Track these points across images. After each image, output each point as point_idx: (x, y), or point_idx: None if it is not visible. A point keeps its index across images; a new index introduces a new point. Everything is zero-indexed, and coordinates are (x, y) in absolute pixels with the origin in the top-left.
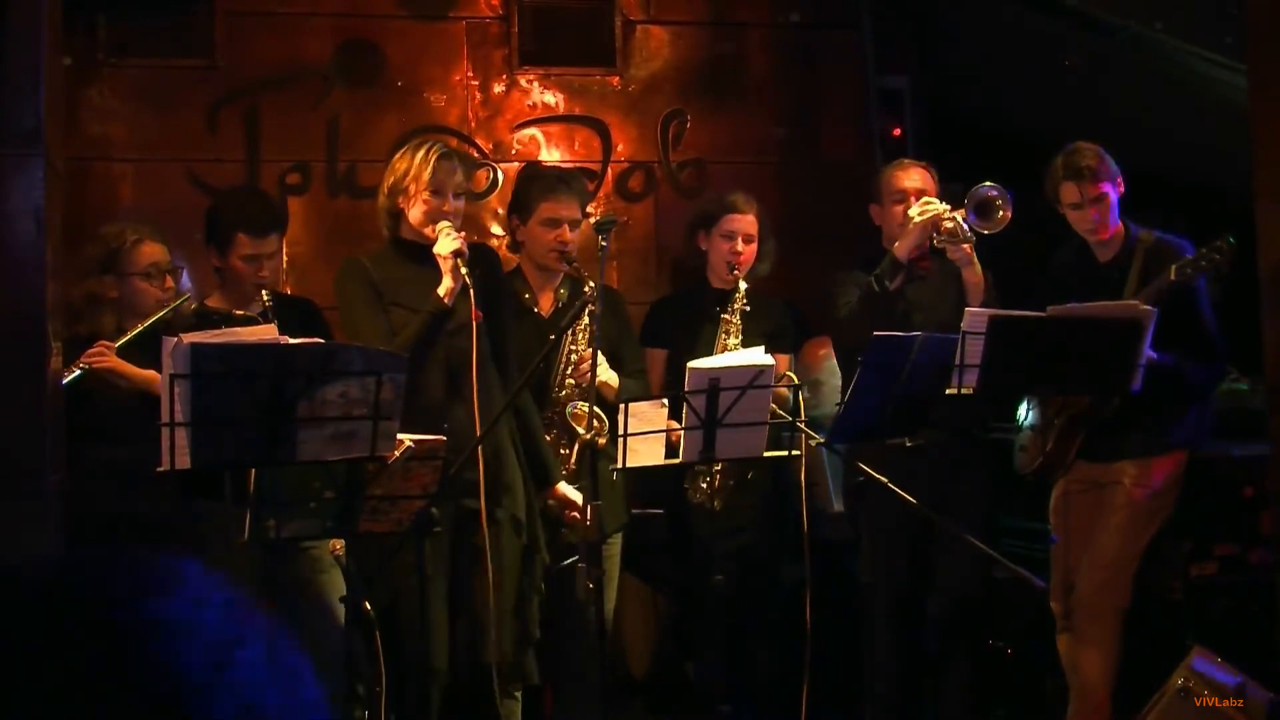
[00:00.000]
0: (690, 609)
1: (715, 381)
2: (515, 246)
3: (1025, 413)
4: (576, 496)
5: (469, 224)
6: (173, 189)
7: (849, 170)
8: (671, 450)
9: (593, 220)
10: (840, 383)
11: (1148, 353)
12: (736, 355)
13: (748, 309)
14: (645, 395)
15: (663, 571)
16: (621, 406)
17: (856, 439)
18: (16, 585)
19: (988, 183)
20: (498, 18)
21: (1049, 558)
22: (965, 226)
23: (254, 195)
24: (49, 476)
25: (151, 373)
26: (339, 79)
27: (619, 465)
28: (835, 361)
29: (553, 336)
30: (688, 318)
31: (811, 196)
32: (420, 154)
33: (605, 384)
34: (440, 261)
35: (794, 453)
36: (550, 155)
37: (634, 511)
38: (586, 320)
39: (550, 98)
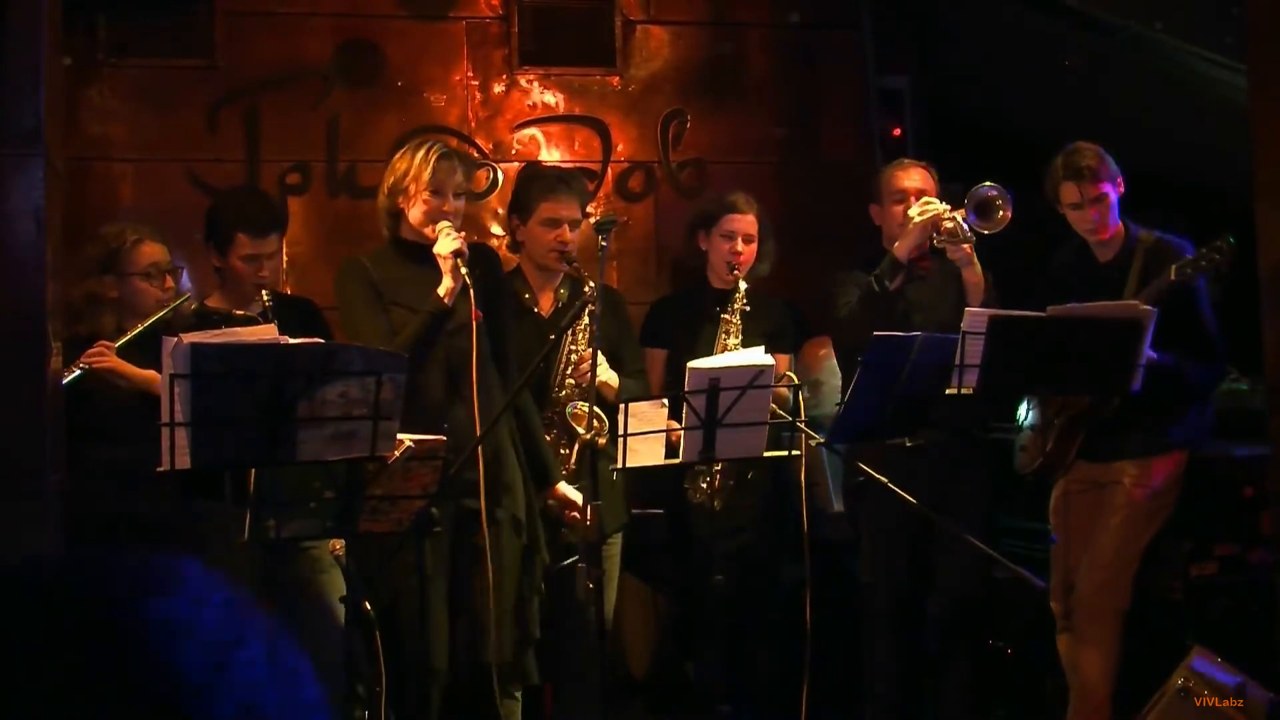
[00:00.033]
0: (690, 609)
1: (715, 381)
2: (515, 246)
3: (1025, 413)
4: (576, 496)
5: (469, 224)
6: (173, 189)
7: (849, 170)
8: (671, 450)
9: (593, 220)
10: (840, 383)
11: (1148, 353)
12: (736, 355)
13: (748, 309)
14: (645, 395)
15: (663, 571)
16: (621, 406)
17: (856, 439)
18: (15, 585)
19: (988, 183)
20: (498, 18)
21: (1049, 558)
22: (965, 226)
23: (254, 195)
24: (49, 476)
25: (151, 373)
26: (339, 79)
27: (619, 465)
28: (835, 361)
29: (553, 336)
30: (688, 318)
31: (811, 196)
32: (420, 154)
33: (605, 384)
34: (440, 261)
35: (794, 453)
36: (550, 155)
37: (634, 511)
38: (586, 320)
39: (550, 98)
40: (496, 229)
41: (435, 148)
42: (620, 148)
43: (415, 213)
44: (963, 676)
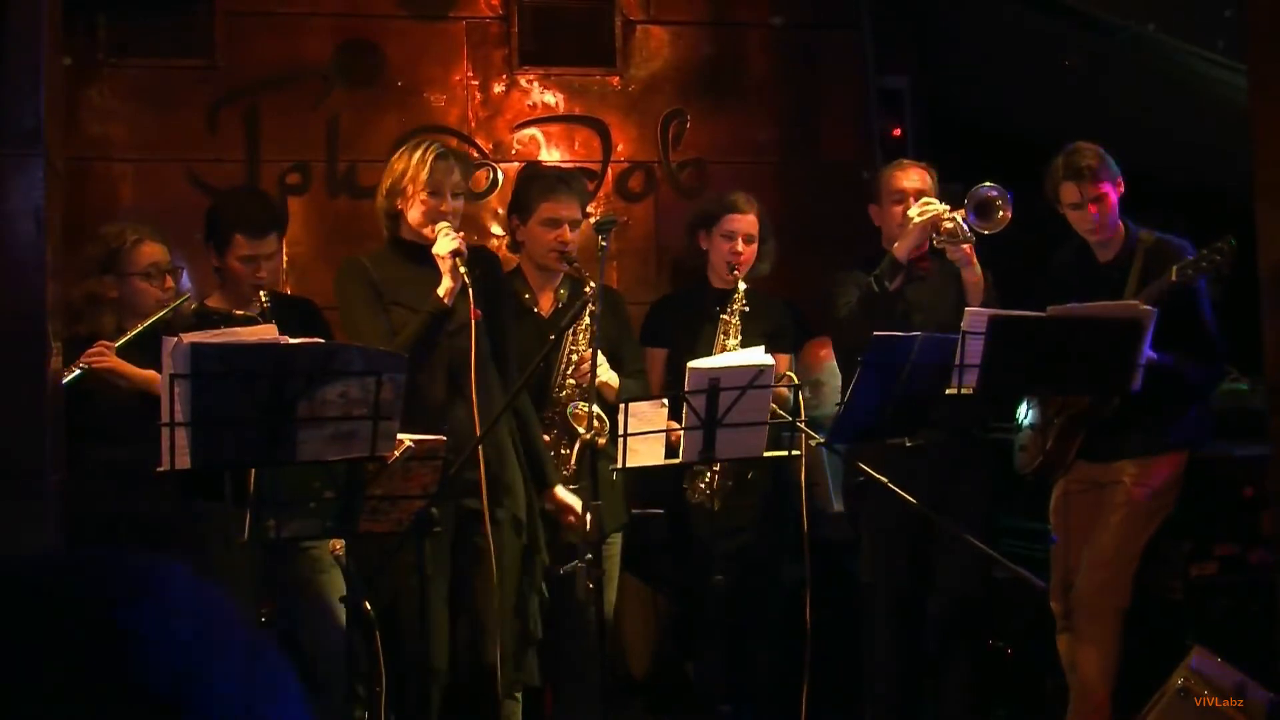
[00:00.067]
0: (690, 609)
1: (715, 381)
2: (515, 246)
3: (1025, 413)
4: (574, 501)
5: (469, 224)
6: (173, 189)
7: (849, 170)
8: (671, 450)
9: (593, 220)
10: (841, 383)
11: (1148, 353)
12: (736, 355)
13: (747, 309)
14: (645, 395)
15: (663, 571)
16: (621, 406)
17: (856, 439)
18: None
19: (987, 183)
20: (498, 18)
21: (1049, 558)
22: (965, 227)
23: (253, 195)
24: (49, 476)
25: (151, 373)
26: (339, 79)
27: (619, 465)
28: (835, 362)
29: (553, 336)
30: (688, 318)
31: (811, 196)
32: (417, 154)
33: (605, 384)
34: (439, 262)
35: (794, 453)
36: (550, 155)
37: (634, 511)
38: (587, 320)
39: (550, 98)
40: (496, 229)
41: (432, 148)
42: (620, 148)
43: (414, 213)
44: (963, 676)
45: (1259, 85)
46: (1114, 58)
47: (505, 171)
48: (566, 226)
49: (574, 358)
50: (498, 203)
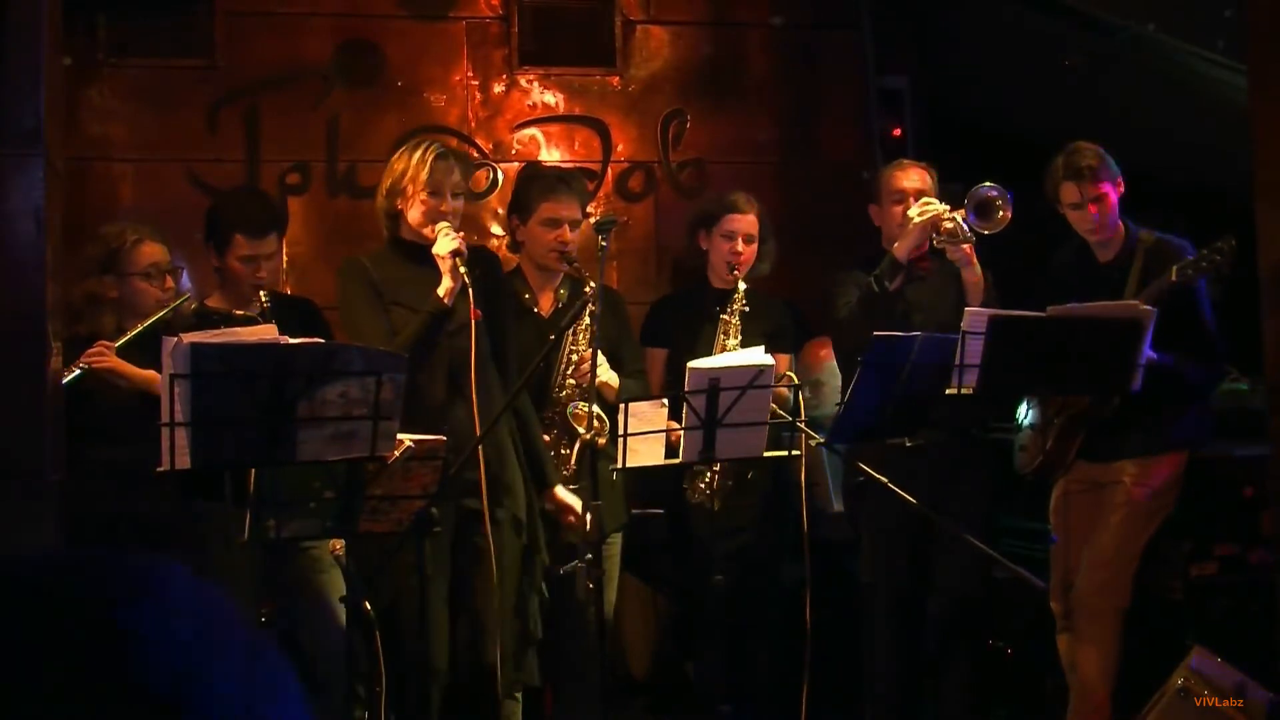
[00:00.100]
0: (690, 609)
1: (715, 381)
2: (515, 246)
3: (1025, 413)
4: (574, 501)
5: (469, 224)
6: (173, 189)
7: (849, 170)
8: (671, 450)
9: (593, 220)
10: (841, 383)
11: (1147, 353)
12: (736, 355)
13: (746, 310)
14: (645, 395)
15: (663, 571)
16: (621, 406)
17: (856, 439)
18: None
19: (987, 183)
20: (498, 18)
21: (1049, 558)
22: (965, 227)
23: (253, 196)
24: (49, 476)
25: (151, 373)
26: (339, 79)
27: (619, 465)
28: (836, 362)
29: (553, 336)
30: (688, 317)
31: (811, 196)
32: (417, 154)
33: (605, 384)
34: (439, 262)
35: (794, 453)
36: (550, 155)
37: (634, 511)
38: (587, 320)
39: (550, 98)
40: (496, 229)
41: (432, 148)
42: (620, 148)
43: (414, 213)
44: (963, 676)
45: (1259, 85)
46: (1114, 58)
47: (505, 171)
48: (566, 226)
49: (574, 358)
50: (498, 203)
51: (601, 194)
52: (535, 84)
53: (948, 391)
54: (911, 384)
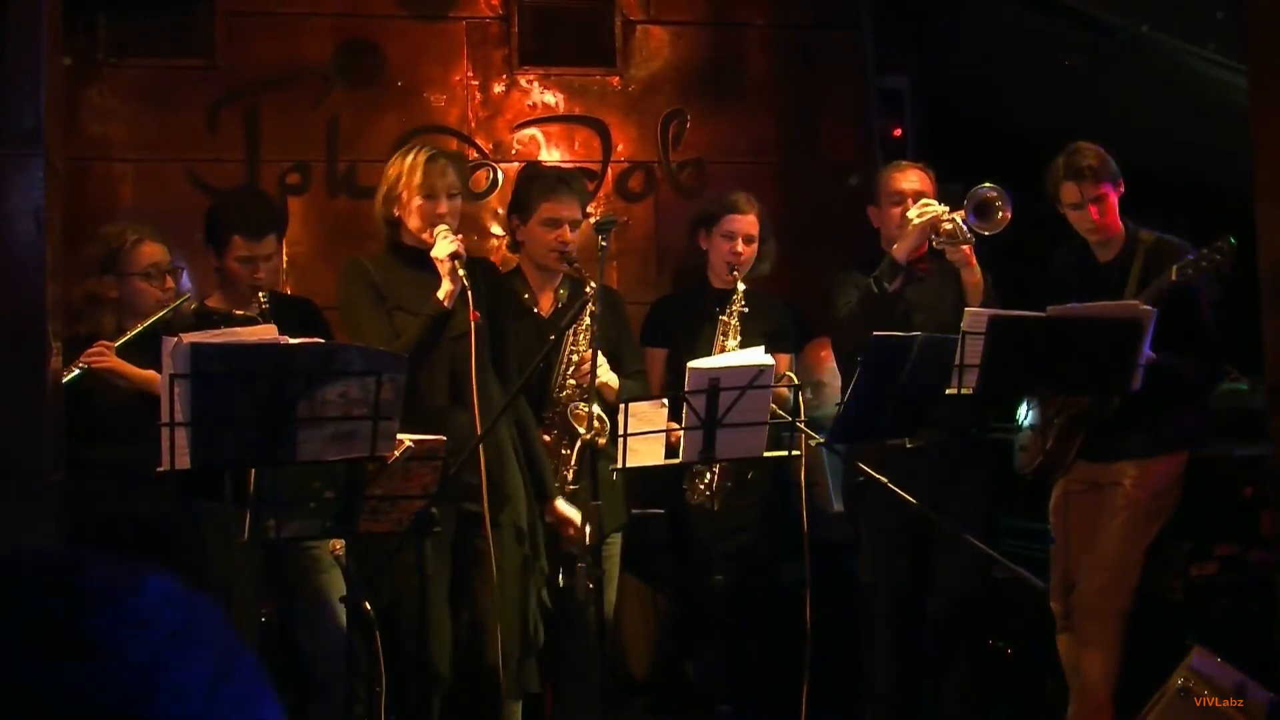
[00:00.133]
0: (690, 609)
1: (715, 381)
2: (515, 246)
3: (1025, 413)
4: (574, 514)
5: (469, 224)
6: (173, 189)
7: (849, 170)
8: (671, 450)
9: (593, 220)
10: (841, 383)
11: (1147, 353)
12: (736, 355)
13: (745, 311)
14: (645, 395)
15: (663, 571)
16: (621, 406)
17: (856, 439)
18: None
19: (987, 184)
20: (498, 18)
21: (1049, 558)
22: (964, 228)
23: (253, 196)
24: (49, 476)
25: (151, 373)
26: (339, 79)
27: (619, 465)
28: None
29: (553, 337)
30: (688, 317)
31: (811, 196)
32: (409, 159)
33: (606, 385)
34: (438, 265)
35: (794, 453)
36: (550, 155)
37: (634, 511)
38: (587, 320)
39: (550, 98)
40: (496, 229)
41: (423, 151)
42: (620, 148)
43: (412, 219)
44: (963, 676)
45: (1259, 85)
46: (1114, 58)
47: (505, 171)
48: (566, 226)
49: (574, 358)
50: (498, 203)
51: (601, 194)
52: (535, 84)
53: (948, 391)
54: (911, 384)
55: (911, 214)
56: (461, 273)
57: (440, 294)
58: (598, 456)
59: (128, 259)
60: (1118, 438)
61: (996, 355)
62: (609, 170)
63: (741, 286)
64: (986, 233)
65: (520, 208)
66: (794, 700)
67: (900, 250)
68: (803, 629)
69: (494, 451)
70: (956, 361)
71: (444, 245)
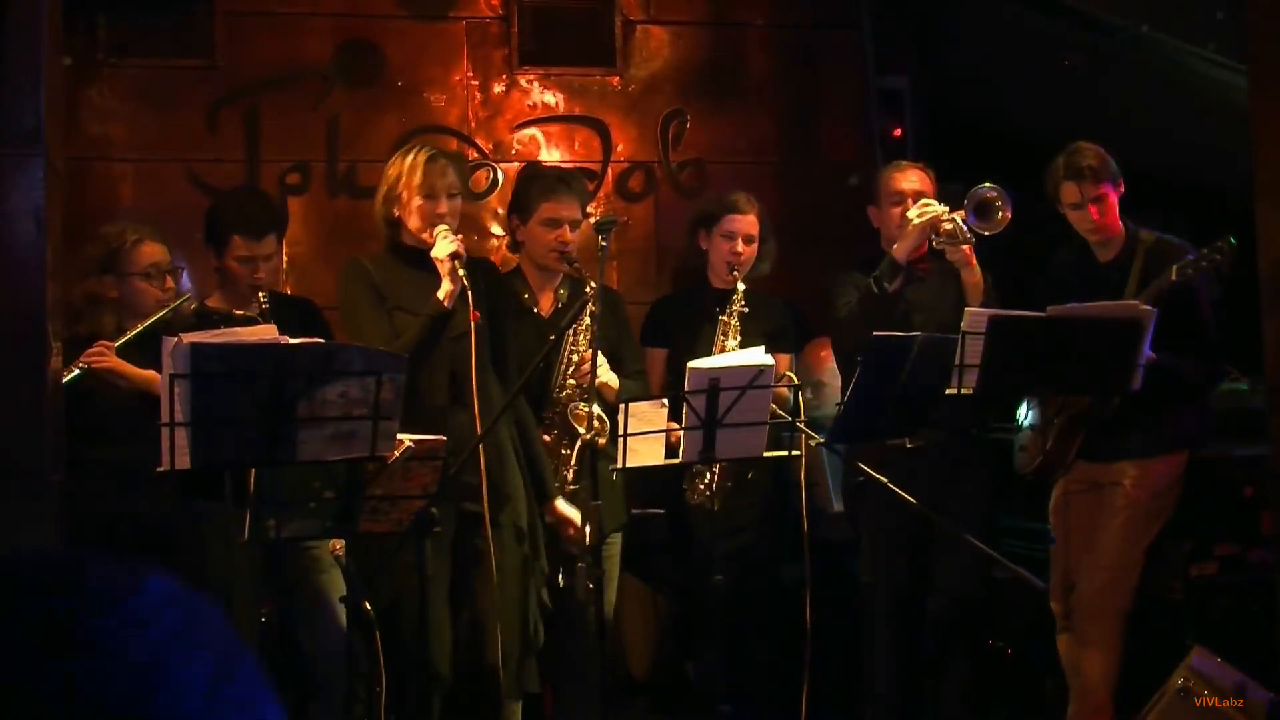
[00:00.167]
0: (690, 609)
1: (715, 381)
2: (515, 246)
3: (1025, 413)
4: (574, 514)
5: (469, 224)
6: (173, 189)
7: (849, 170)
8: (671, 450)
9: (593, 220)
10: (841, 383)
11: (1147, 353)
12: (736, 355)
13: (745, 311)
14: (645, 395)
15: (663, 571)
16: (621, 406)
17: (856, 439)
18: None
19: (987, 184)
20: (498, 18)
21: (1049, 558)
22: (964, 228)
23: (252, 196)
24: (49, 476)
25: (151, 373)
26: (339, 79)
27: (619, 465)
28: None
29: (553, 337)
30: (688, 317)
31: (811, 196)
32: (408, 159)
33: (606, 385)
34: (438, 265)
35: (794, 453)
36: (550, 155)
37: (634, 511)
38: (587, 320)
39: (550, 98)
40: (496, 229)
41: (423, 151)
42: (620, 148)
43: (412, 220)
44: (963, 676)
45: (1259, 85)
46: (1114, 58)
47: (505, 171)
48: (566, 226)
49: (574, 358)
50: (498, 203)
51: (601, 194)
52: (535, 84)
53: (948, 391)
54: (911, 384)
55: (911, 214)
56: (461, 273)
57: (440, 294)
58: (598, 456)
59: (128, 259)
60: (1118, 438)
61: (996, 355)
62: (609, 170)
63: (741, 286)
64: (986, 233)
65: (520, 208)
66: (794, 700)
67: (900, 250)
68: (803, 629)
69: (494, 451)
70: (956, 361)
71: (444, 245)
